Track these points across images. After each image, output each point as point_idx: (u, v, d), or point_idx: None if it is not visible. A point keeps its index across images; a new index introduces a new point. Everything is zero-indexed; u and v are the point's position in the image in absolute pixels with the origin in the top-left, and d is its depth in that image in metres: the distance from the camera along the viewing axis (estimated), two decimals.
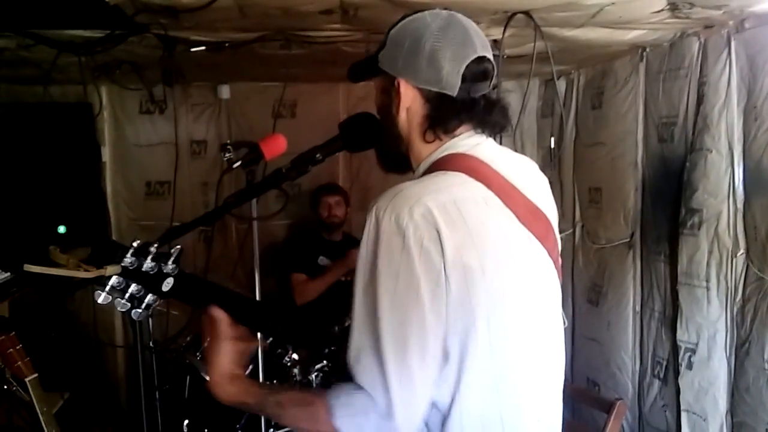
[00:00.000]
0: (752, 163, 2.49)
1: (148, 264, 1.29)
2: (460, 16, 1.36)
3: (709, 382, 2.69)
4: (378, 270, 1.18)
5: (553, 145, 3.72)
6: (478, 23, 1.39)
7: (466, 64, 1.30)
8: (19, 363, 2.29)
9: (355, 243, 4.18)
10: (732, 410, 2.62)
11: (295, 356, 2.67)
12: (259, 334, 2.22)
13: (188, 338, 2.89)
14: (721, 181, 2.60)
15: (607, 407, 2.45)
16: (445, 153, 1.34)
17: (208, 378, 1.36)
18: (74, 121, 3.40)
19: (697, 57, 2.75)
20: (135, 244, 1.28)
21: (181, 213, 3.73)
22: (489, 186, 1.29)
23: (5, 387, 2.54)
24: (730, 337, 2.62)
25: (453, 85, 1.31)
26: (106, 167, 4.11)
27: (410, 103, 1.34)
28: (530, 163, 1.48)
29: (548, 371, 1.38)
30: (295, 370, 2.65)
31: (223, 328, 1.34)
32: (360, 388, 1.19)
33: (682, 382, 2.81)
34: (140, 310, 1.32)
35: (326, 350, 1.43)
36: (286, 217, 4.33)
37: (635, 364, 3.28)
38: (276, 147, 1.92)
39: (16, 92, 3.74)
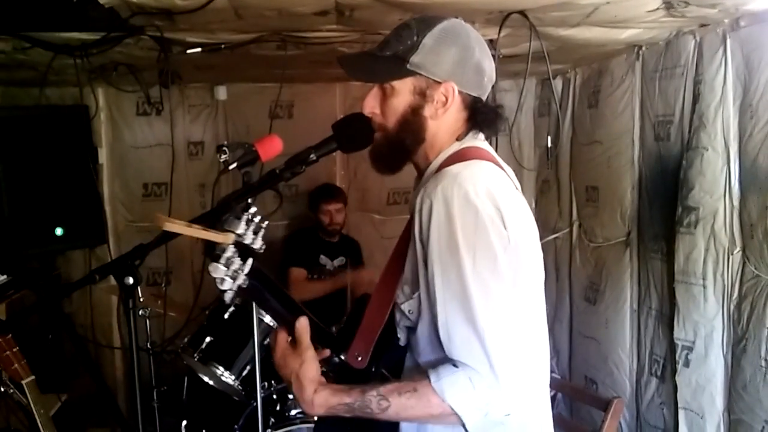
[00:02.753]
0: (748, 161, 2.49)
1: (250, 235, 1.22)
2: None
3: (706, 379, 2.69)
4: (458, 244, 1.23)
5: (549, 144, 3.72)
6: (473, 23, 1.42)
7: (493, 70, 1.43)
8: (16, 365, 2.28)
9: (352, 244, 4.23)
10: (729, 408, 2.62)
11: None
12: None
13: (185, 339, 2.89)
14: (717, 179, 2.61)
15: (605, 405, 2.46)
16: (463, 146, 1.42)
17: (299, 390, 1.31)
18: (71, 123, 3.39)
19: (693, 55, 2.75)
20: (252, 211, 1.23)
21: (178, 214, 3.66)
22: (507, 175, 1.40)
23: (2, 389, 2.54)
24: (727, 334, 2.62)
25: (487, 90, 1.43)
26: (103, 169, 4.11)
27: (452, 106, 1.40)
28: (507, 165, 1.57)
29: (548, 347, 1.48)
30: None
31: (306, 337, 1.34)
32: (457, 364, 1.23)
33: (680, 379, 2.81)
34: (232, 293, 1.24)
35: (335, 360, 1.39)
36: (284, 217, 4.34)
37: (633, 362, 3.29)
38: (272, 148, 1.91)
39: (13, 95, 3.73)
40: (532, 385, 1.32)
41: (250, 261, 1.26)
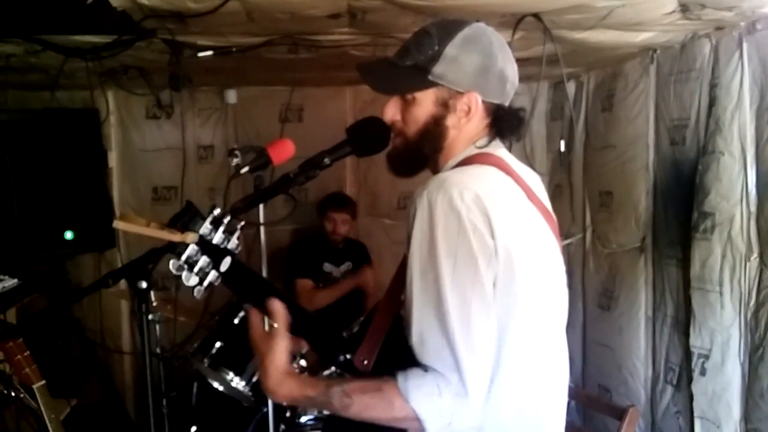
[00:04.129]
0: (765, 166, 2.46)
1: (219, 236, 1.23)
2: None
3: (722, 388, 2.65)
4: (437, 250, 1.21)
5: (563, 149, 3.69)
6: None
7: (516, 75, 1.41)
8: (27, 370, 2.28)
9: (359, 248, 4.21)
10: (746, 416, 2.58)
11: (303, 362, 2.65)
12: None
13: (195, 345, 2.87)
14: (733, 184, 2.57)
15: (620, 414, 2.42)
16: (475, 152, 1.39)
17: (264, 376, 1.32)
18: (81, 126, 3.40)
19: (709, 59, 2.72)
20: (216, 213, 1.24)
21: None
22: (516, 181, 1.36)
23: (13, 394, 2.53)
24: (744, 342, 2.58)
25: (510, 96, 1.41)
26: (113, 173, 4.11)
27: (474, 115, 1.38)
28: (534, 173, 1.54)
29: (564, 356, 1.49)
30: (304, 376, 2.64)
31: (281, 323, 1.32)
32: (428, 369, 1.21)
33: (696, 388, 2.77)
34: (202, 288, 1.26)
35: (341, 358, 1.38)
36: (292, 222, 4.32)
37: (648, 370, 3.24)
38: (284, 152, 1.90)
39: (24, 98, 3.75)
40: (510, 402, 1.28)
41: (227, 260, 1.26)
